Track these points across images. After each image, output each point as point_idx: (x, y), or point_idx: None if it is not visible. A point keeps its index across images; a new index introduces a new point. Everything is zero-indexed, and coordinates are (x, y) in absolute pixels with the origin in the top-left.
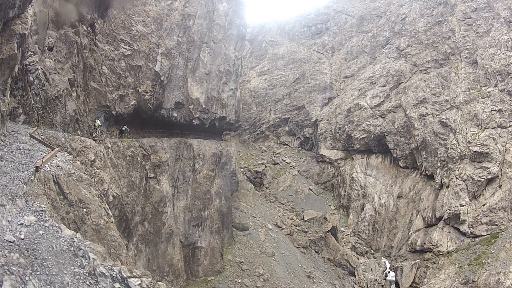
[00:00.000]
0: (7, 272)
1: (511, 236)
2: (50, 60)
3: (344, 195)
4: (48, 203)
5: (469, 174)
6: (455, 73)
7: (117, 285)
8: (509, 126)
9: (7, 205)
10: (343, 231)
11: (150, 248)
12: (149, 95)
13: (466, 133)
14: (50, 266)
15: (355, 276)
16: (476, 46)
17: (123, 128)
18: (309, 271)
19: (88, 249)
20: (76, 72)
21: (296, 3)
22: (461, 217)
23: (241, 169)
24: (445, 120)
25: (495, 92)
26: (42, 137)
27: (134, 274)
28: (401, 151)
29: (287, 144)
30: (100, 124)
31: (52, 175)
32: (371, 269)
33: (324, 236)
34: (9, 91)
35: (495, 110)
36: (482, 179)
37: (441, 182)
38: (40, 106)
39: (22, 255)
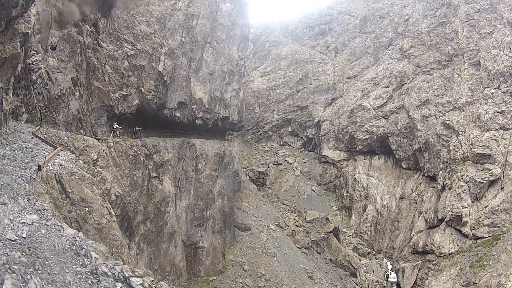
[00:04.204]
0: (9, 270)
1: None
2: (53, 59)
3: (347, 196)
4: (50, 202)
5: (472, 176)
6: (458, 74)
7: (119, 284)
8: (511, 128)
9: (9, 204)
10: (345, 232)
11: (152, 247)
12: (152, 95)
13: (469, 135)
14: (52, 265)
15: (356, 277)
16: (479, 48)
17: (136, 129)
18: (310, 272)
19: (90, 248)
20: (79, 71)
21: (299, 4)
22: (463, 218)
23: (244, 169)
24: (447, 122)
25: (497, 94)
26: (45, 136)
27: (136, 273)
28: (403, 152)
29: (289, 145)
30: (119, 127)
31: (55, 174)
32: (373, 270)
33: (326, 237)
34: (12, 90)
35: (498, 112)
36: (485, 181)
37: (443, 183)
38: (43, 105)
39: (24, 253)
